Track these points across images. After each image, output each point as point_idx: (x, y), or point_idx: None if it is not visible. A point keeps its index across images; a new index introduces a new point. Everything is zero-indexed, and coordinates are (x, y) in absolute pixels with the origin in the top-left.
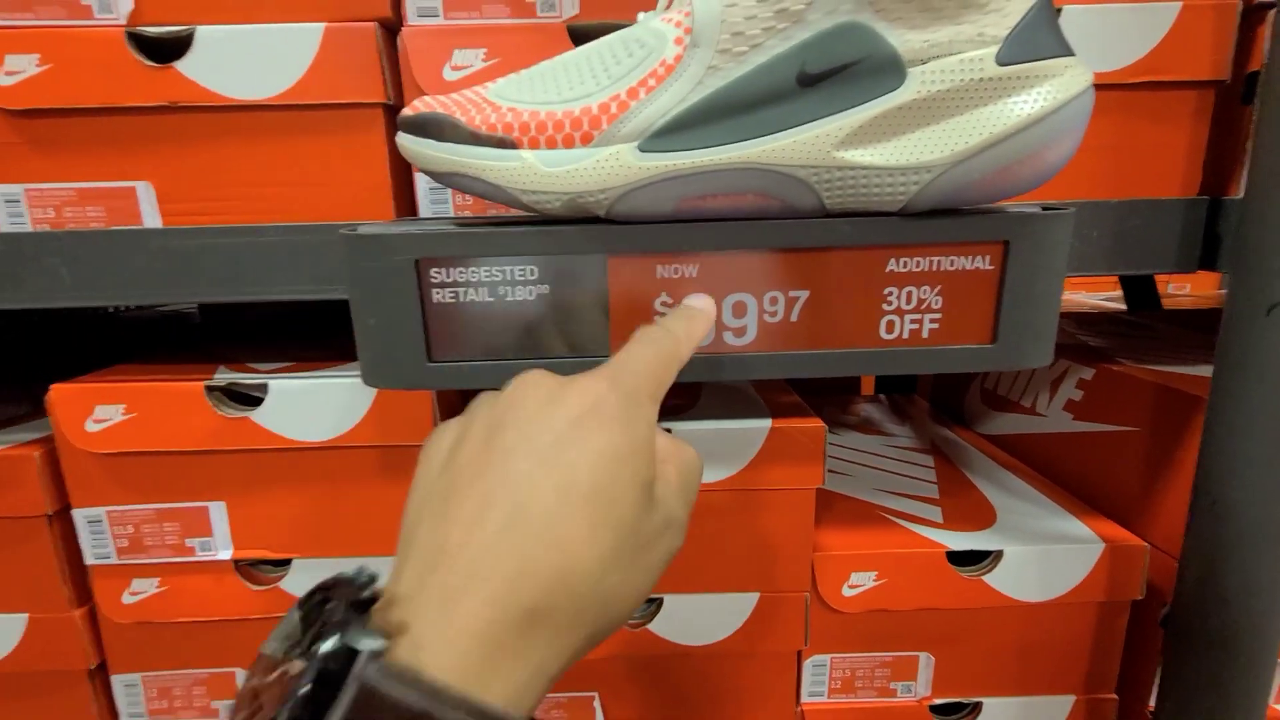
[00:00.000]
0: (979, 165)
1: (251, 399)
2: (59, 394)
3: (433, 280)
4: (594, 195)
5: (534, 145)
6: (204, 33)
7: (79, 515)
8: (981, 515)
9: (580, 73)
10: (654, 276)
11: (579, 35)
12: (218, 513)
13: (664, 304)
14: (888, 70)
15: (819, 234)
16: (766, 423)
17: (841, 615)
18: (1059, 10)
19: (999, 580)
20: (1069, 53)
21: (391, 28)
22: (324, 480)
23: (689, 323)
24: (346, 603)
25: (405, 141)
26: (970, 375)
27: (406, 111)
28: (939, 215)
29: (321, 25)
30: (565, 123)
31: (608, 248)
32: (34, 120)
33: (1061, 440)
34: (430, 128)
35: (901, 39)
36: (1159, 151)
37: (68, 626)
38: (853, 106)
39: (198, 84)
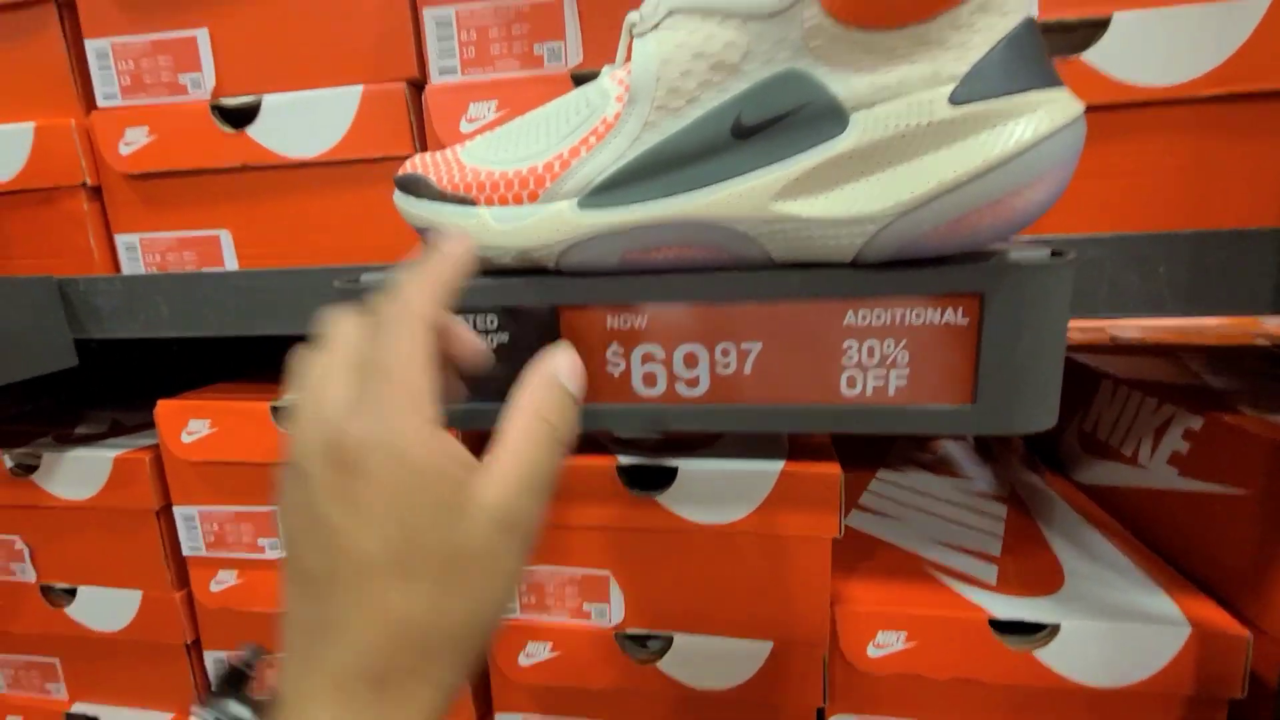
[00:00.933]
0: (929, 216)
1: None
2: (162, 409)
3: None
4: (540, 250)
5: (489, 203)
6: (269, 101)
7: (178, 512)
8: (1045, 579)
9: (536, 132)
10: (604, 327)
11: (583, 82)
12: None
13: (616, 353)
14: (828, 117)
15: (766, 286)
16: (778, 465)
17: (867, 676)
18: (1104, 22)
19: (1054, 657)
20: (1052, 83)
21: (419, 85)
22: None
23: (422, 275)
24: (227, 674)
25: (396, 198)
26: (1068, 413)
27: (399, 170)
28: (900, 265)
29: (360, 87)
30: (515, 181)
31: (558, 299)
32: (145, 181)
33: (1164, 498)
34: (411, 185)
35: (844, 84)
36: (1245, 174)
37: (170, 606)
38: (789, 156)
39: (264, 146)
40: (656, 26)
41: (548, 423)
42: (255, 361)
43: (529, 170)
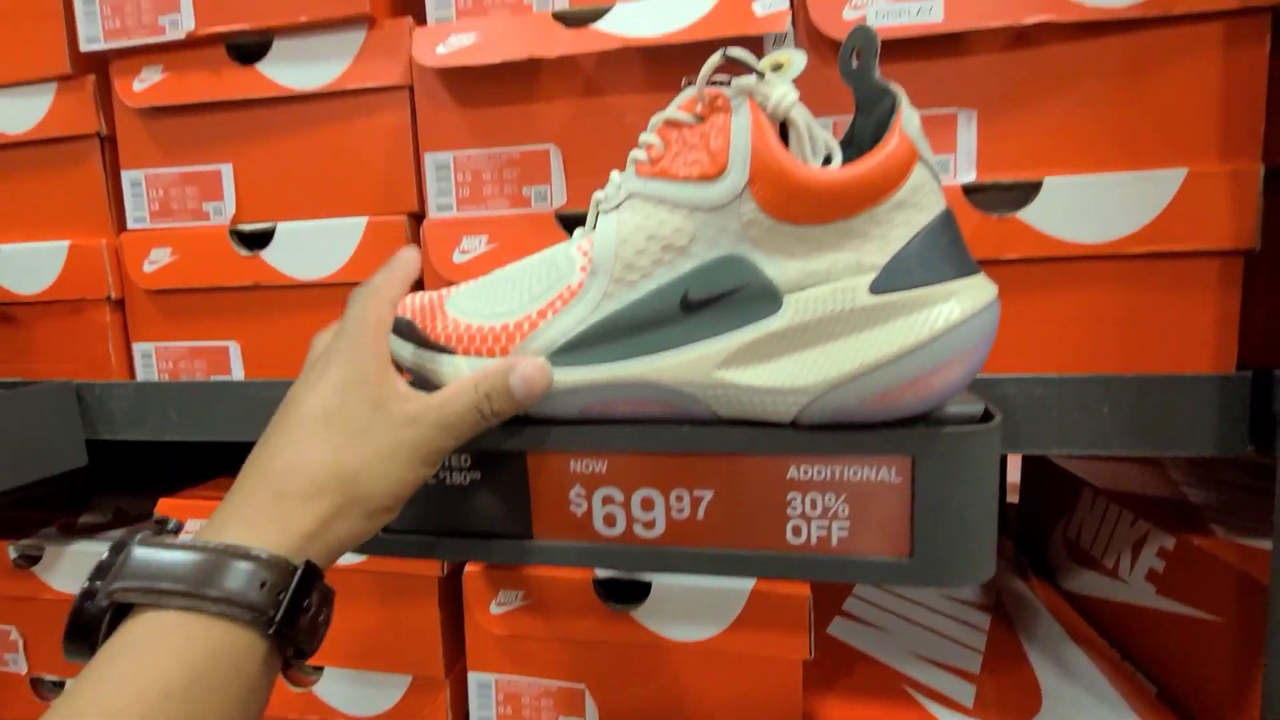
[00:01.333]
0: (855, 391)
1: None
2: (163, 505)
3: None
4: None
5: (467, 353)
6: (283, 227)
7: None
8: (1023, 702)
9: (510, 290)
10: (568, 470)
11: (567, 221)
12: None
13: (579, 494)
14: (764, 297)
15: (715, 441)
16: (749, 584)
17: None
18: (1036, 185)
19: None
20: (967, 271)
21: (418, 218)
22: (370, 596)
23: (389, 271)
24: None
25: (391, 340)
26: (1053, 517)
27: (396, 313)
28: (838, 426)
29: (365, 219)
30: (489, 336)
31: (527, 445)
32: (164, 296)
33: (1144, 616)
34: (404, 331)
35: (779, 268)
36: (1179, 323)
37: None
38: (730, 330)
39: (276, 268)
40: (618, 206)
41: (484, 396)
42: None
43: (502, 327)
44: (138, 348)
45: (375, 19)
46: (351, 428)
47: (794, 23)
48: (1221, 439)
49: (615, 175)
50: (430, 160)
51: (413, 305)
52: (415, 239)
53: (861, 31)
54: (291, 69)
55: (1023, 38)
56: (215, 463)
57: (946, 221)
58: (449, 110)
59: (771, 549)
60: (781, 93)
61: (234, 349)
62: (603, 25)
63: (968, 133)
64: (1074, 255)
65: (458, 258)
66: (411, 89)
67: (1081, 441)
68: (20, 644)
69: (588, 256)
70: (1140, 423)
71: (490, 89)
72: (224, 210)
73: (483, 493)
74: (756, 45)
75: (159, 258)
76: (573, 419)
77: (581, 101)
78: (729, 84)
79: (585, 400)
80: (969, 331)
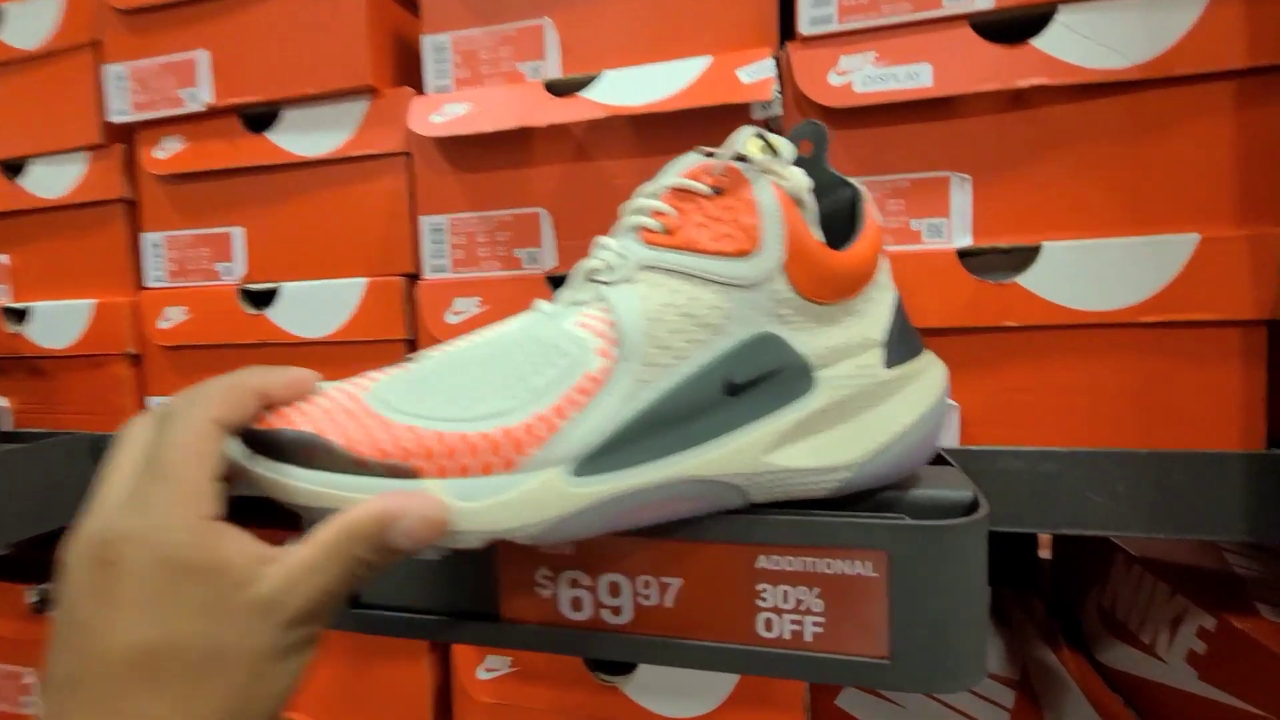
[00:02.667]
0: (889, 457)
1: None
2: None
3: None
4: (521, 530)
5: (443, 474)
6: (287, 287)
7: None
8: None
9: (490, 382)
10: (535, 551)
11: (558, 283)
12: None
13: (545, 576)
14: (800, 376)
15: (683, 528)
16: None
17: None
18: (1033, 250)
19: None
20: (923, 344)
21: (415, 279)
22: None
23: (233, 379)
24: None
25: (259, 469)
26: (1088, 581)
27: (257, 428)
28: (808, 513)
29: (364, 280)
30: (481, 446)
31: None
32: (177, 353)
33: (1186, 702)
34: (294, 452)
35: (807, 346)
36: (1200, 396)
37: None
38: (773, 412)
39: (280, 326)
40: (630, 280)
41: (355, 556)
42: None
43: (501, 433)
44: (150, 400)
45: (378, 89)
46: (195, 657)
47: (781, 90)
48: (1252, 523)
49: (611, 243)
50: (425, 223)
51: (302, 412)
52: (411, 296)
53: (809, 125)
54: (300, 137)
55: (1019, 99)
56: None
57: (900, 303)
58: (445, 175)
59: (743, 642)
60: (799, 174)
61: None
62: (590, 94)
63: (962, 196)
64: (1080, 323)
65: (450, 319)
66: (410, 155)
67: (1094, 522)
68: (36, 688)
69: (607, 337)
70: (1161, 503)
71: (484, 155)
72: (234, 270)
73: (452, 569)
74: (743, 113)
75: (173, 315)
76: (599, 535)
77: (571, 166)
78: (744, 160)
79: (617, 511)
80: (945, 393)
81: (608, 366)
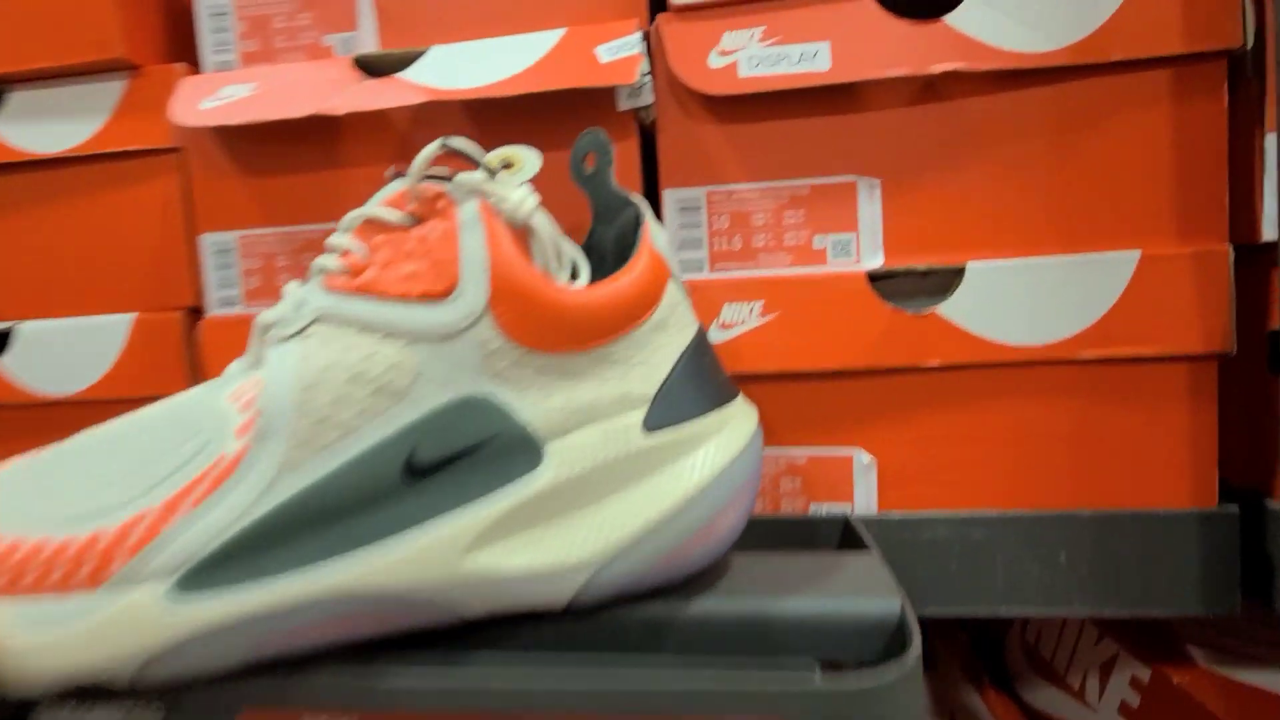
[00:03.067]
0: (643, 555)
1: None
2: None
3: None
4: (107, 668)
5: (7, 591)
6: (24, 329)
7: None
8: None
9: (109, 471)
10: None
11: None
12: None
13: None
14: (519, 450)
15: (492, 694)
16: None
17: None
18: (955, 273)
19: None
20: (729, 397)
21: (198, 313)
22: None
23: None
24: None
25: None
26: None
27: None
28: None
29: (130, 316)
30: (65, 556)
31: (242, 699)
32: None
33: None
34: None
35: (535, 409)
36: (1145, 446)
37: None
38: (477, 499)
39: (13, 382)
40: (300, 333)
41: None
42: None
43: (88, 539)
44: None
45: (137, 64)
46: None
47: (651, 72)
48: (1207, 593)
49: (293, 288)
50: (207, 242)
51: None
52: (192, 341)
53: (591, 136)
54: (32, 128)
55: (931, 90)
56: None
57: (702, 342)
58: (230, 179)
59: None
60: (521, 195)
61: None
62: (411, 74)
63: (870, 206)
64: (1008, 361)
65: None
66: (182, 152)
67: (1036, 598)
68: None
69: (252, 409)
70: (1106, 574)
71: (283, 153)
72: None
73: None
74: (607, 100)
75: None
76: (238, 667)
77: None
78: (450, 179)
79: (253, 640)
80: (745, 465)
81: (245, 447)
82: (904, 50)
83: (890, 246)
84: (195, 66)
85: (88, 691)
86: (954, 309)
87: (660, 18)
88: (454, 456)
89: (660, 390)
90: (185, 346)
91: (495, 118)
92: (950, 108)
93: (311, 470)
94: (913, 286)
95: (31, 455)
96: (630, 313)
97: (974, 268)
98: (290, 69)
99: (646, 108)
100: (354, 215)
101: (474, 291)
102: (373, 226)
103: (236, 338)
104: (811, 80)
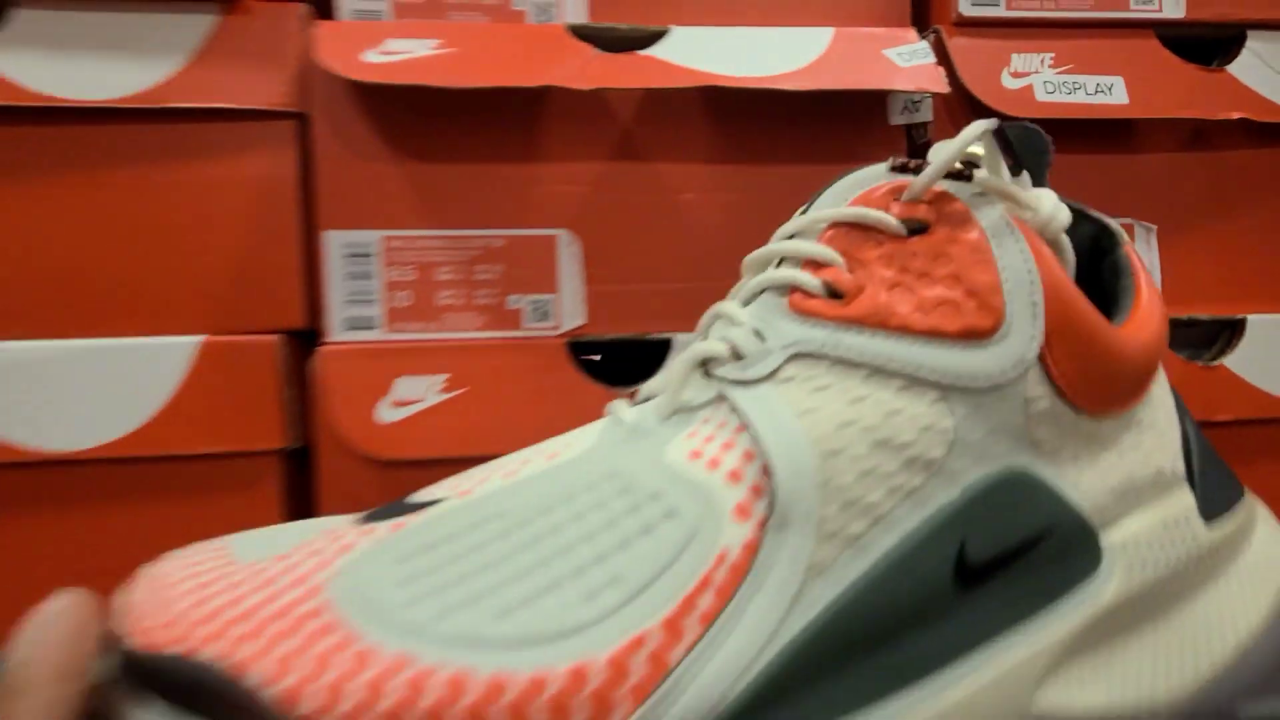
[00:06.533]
0: (1230, 686)
1: None
2: None
3: None
4: None
5: None
6: (36, 349)
7: None
8: None
9: (540, 560)
10: None
11: (583, 351)
12: None
13: None
14: (1079, 545)
15: None
16: None
17: None
18: (1235, 325)
19: None
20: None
21: (309, 340)
22: None
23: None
24: None
25: None
26: None
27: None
28: None
29: (197, 339)
30: (533, 704)
31: None
32: None
33: None
34: (192, 695)
35: (1080, 489)
36: None
37: None
38: (1042, 611)
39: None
40: (772, 375)
41: None
42: None
43: (569, 674)
44: None
45: None
46: None
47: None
48: None
49: (738, 313)
50: (334, 241)
51: (206, 635)
52: (297, 374)
53: (1023, 131)
54: (61, 65)
55: (1200, 137)
56: None
57: (1180, 403)
58: (378, 162)
59: None
60: (1053, 203)
61: None
62: (664, 54)
63: (1148, 252)
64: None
65: (386, 413)
66: (306, 119)
67: None
68: None
69: (748, 484)
70: None
71: (452, 132)
72: None
73: None
74: (879, 110)
75: None
76: None
77: (608, 166)
78: (967, 176)
79: None
80: None
81: (754, 540)
82: (1194, 93)
83: (1170, 295)
84: (320, 10)
85: None
86: (1236, 361)
87: (944, 29)
88: (1008, 555)
89: (1193, 465)
90: (281, 382)
91: (737, 117)
92: (1213, 158)
93: (842, 574)
94: (1191, 338)
95: (388, 526)
96: (1152, 361)
97: (1255, 321)
98: (482, 29)
99: (923, 125)
100: (820, 215)
101: (1022, 330)
102: (854, 232)
103: (373, 375)
104: (1109, 113)
